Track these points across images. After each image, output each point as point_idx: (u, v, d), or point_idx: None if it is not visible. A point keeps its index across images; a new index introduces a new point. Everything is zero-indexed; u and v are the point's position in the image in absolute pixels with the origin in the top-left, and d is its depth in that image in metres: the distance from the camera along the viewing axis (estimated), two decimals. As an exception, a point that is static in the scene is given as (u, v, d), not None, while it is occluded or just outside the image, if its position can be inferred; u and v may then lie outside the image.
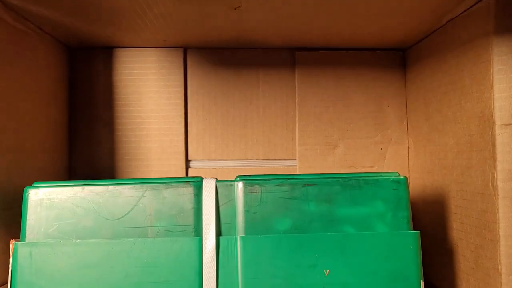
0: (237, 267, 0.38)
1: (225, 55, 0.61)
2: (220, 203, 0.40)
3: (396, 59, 0.62)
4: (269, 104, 0.61)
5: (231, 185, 0.40)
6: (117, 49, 0.60)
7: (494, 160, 0.40)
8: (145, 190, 0.40)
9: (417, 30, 0.53)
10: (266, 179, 0.40)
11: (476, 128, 0.43)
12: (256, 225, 0.39)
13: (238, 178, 0.41)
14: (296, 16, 0.49)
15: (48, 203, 0.39)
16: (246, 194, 0.40)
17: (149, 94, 0.60)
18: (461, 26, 0.46)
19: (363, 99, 0.62)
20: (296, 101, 0.61)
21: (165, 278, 0.38)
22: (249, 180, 0.40)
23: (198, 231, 0.39)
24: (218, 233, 0.39)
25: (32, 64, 0.49)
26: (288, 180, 0.40)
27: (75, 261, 0.38)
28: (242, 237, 0.39)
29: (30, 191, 0.39)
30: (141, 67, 0.60)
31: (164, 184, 0.40)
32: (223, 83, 0.61)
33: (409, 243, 0.39)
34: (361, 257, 0.38)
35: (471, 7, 0.44)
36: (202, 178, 0.41)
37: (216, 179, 0.41)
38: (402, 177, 0.41)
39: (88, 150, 0.59)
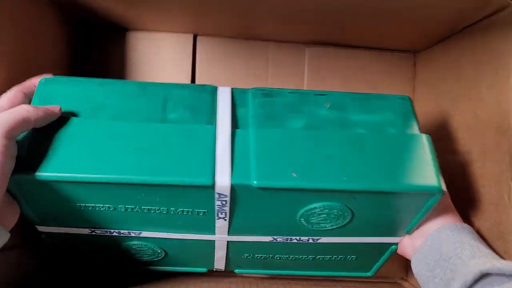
0: (251, 158, 0.36)
1: (236, 46, 0.60)
2: (235, 104, 0.40)
3: (407, 61, 0.62)
4: (276, 98, 0.61)
5: (246, 91, 0.41)
6: (128, 31, 0.58)
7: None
8: (162, 87, 0.40)
9: (431, 34, 0.53)
10: (279, 89, 0.42)
11: (491, 139, 0.43)
12: (270, 122, 0.39)
13: (252, 88, 0.41)
14: (308, 11, 0.48)
15: (60, 88, 0.39)
16: (260, 97, 0.40)
17: (156, 79, 0.58)
18: (480, 34, 0.46)
19: (370, 99, 0.61)
20: (304, 97, 0.61)
21: (179, 160, 0.35)
22: (264, 88, 0.41)
23: (212, 122, 0.38)
24: (233, 126, 0.39)
25: (41, 36, 0.47)
26: (300, 90, 0.42)
27: (90, 135, 0.36)
28: (256, 130, 0.38)
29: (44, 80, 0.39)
30: (149, 51, 0.58)
31: (180, 85, 0.41)
32: (231, 73, 0.60)
33: (422, 143, 0.39)
34: (378, 154, 0.38)
35: (491, 15, 0.44)
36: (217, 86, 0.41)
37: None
38: (406, 96, 0.44)
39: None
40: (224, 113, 0.39)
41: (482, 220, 0.44)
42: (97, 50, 0.58)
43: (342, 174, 0.36)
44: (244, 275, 0.54)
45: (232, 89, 0.41)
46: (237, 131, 0.38)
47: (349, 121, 0.40)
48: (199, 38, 0.59)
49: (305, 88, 0.60)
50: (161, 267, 0.50)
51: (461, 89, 0.49)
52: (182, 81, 0.58)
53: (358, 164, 0.37)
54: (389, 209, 0.39)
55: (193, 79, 0.59)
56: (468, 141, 0.47)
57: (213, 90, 0.41)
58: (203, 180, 0.35)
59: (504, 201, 0.40)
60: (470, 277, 0.34)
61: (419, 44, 0.58)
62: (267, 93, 0.41)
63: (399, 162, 0.37)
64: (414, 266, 0.42)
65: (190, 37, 0.59)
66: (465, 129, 0.48)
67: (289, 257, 0.47)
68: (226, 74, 0.60)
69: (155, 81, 0.58)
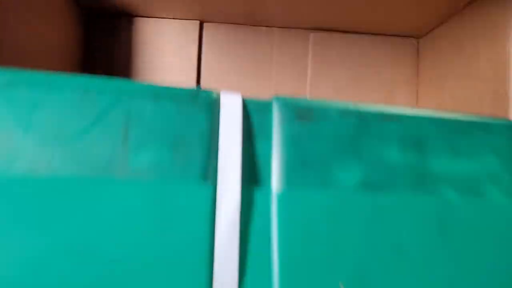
0: (272, 240, 0.22)
1: (241, 33, 0.61)
2: (251, 132, 0.24)
3: (410, 47, 0.62)
4: (281, 83, 0.62)
5: (267, 106, 0.25)
6: (135, 17, 0.60)
7: (507, 136, 0.40)
8: (121, 97, 0.22)
9: (434, 15, 0.54)
10: (323, 104, 0.26)
11: (488, 106, 0.43)
12: (308, 173, 0.23)
13: (276, 99, 0.25)
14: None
15: None
16: (292, 120, 0.24)
17: (162, 65, 0.60)
18: (480, 9, 0.46)
19: (375, 84, 0.62)
20: (308, 81, 0.61)
21: (146, 248, 0.20)
22: (297, 102, 0.25)
23: (209, 175, 0.22)
24: (245, 183, 0.23)
25: (51, 21, 0.50)
26: (358, 110, 0.26)
27: None
28: (284, 192, 0.23)
29: None
30: (155, 37, 0.60)
31: (155, 90, 0.23)
32: (236, 60, 0.62)
33: None
34: (472, 239, 0.24)
35: (491, -13, 0.44)
36: (219, 92, 0.25)
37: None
38: None
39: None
40: (230, 159, 0.23)
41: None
42: (102, 36, 0.60)
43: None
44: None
45: (244, 101, 0.25)
46: (254, 193, 0.23)
47: (430, 171, 0.25)
48: (205, 25, 0.61)
49: (309, 72, 0.61)
50: None
51: (462, 67, 0.49)
52: (187, 67, 0.60)
53: (442, 266, 0.23)
54: None
55: (198, 65, 0.61)
56: (468, 112, 0.47)
57: (212, 104, 0.23)
58: None
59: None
60: None
61: (422, 28, 0.58)
62: (304, 114, 0.24)
63: (503, 258, 0.23)
64: None
65: (197, 23, 0.61)
66: (464, 103, 0.48)
67: None
68: (231, 60, 0.61)
69: (162, 67, 0.60)
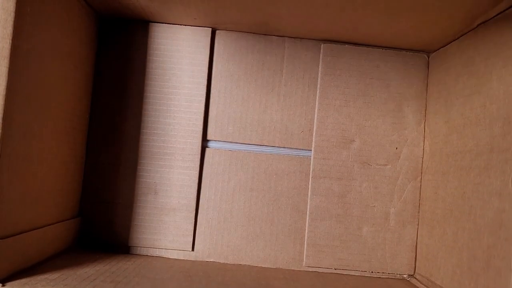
0: None
1: (252, 41, 0.62)
2: None
3: (421, 61, 0.62)
4: (290, 92, 0.62)
5: None
6: (148, 23, 0.60)
7: (517, 160, 0.40)
8: None
9: (446, 32, 0.54)
10: None
11: (499, 130, 0.43)
12: None
13: None
14: (324, 6, 0.50)
15: None
16: None
17: (173, 70, 0.60)
18: (493, 29, 0.47)
19: (384, 97, 0.62)
20: (318, 92, 0.62)
21: None
22: None
23: None
24: None
25: (65, 25, 0.50)
26: None
27: None
28: None
29: None
30: (168, 43, 0.60)
31: None
32: (247, 68, 0.62)
33: None
34: None
35: (506, 9, 0.44)
36: None
37: None
38: None
39: (108, 117, 0.60)
40: None
41: (485, 209, 0.44)
42: (116, 40, 0.61)
43: None
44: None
45: None
46: None
47: None
48: (217, 32, 0.61)
49: (319, 82, 0.62)
50: None
51: (474, 85, 0.50)
52: (199, 73, 0.60)
53: None
54: None
55: (209, 72, 0.61)
56: (477, 135, 0.47)
57: None
58: None
59: (508, 189, 0.40)
60: None
61: (434, 43, 0.59)
62: None
63: None
64: None
65: (209, 31, 0.61)
66: (474, 124, 0.48)
67: None
68: (242, 67, 0.62)
69: (173, 72, 0.60)
